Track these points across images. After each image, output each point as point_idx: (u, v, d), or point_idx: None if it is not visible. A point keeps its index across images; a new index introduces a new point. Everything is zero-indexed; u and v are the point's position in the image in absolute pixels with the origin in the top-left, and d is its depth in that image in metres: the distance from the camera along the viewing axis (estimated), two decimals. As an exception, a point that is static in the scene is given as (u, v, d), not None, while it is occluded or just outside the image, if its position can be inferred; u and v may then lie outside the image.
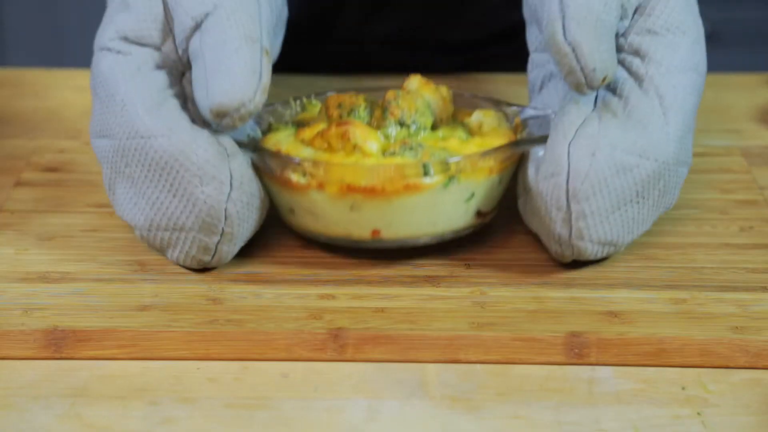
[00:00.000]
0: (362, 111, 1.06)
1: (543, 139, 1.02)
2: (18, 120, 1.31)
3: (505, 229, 1.09)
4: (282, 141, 1.05)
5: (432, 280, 1.03)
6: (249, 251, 1.06)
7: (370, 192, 1.00)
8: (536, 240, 1.08)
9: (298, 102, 1.11)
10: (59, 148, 1.24)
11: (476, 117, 1.07)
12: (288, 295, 1.01)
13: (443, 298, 1.01)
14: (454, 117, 1.08)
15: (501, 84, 1.38)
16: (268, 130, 1.08)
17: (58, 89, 1.38)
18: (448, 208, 1.02)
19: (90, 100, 1.35)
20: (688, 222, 1.11)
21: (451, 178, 1.00)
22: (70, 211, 1.13)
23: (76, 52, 2.53)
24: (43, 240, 1.08)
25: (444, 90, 1.08)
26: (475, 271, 1.04)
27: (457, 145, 1.03)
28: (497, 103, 1.10)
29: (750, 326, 0.97)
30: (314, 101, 1.11)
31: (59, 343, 0.96)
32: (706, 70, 1.06)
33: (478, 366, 0.96)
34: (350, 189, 1.00)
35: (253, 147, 1.02)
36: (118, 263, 1.05)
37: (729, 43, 2.42)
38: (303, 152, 1.02)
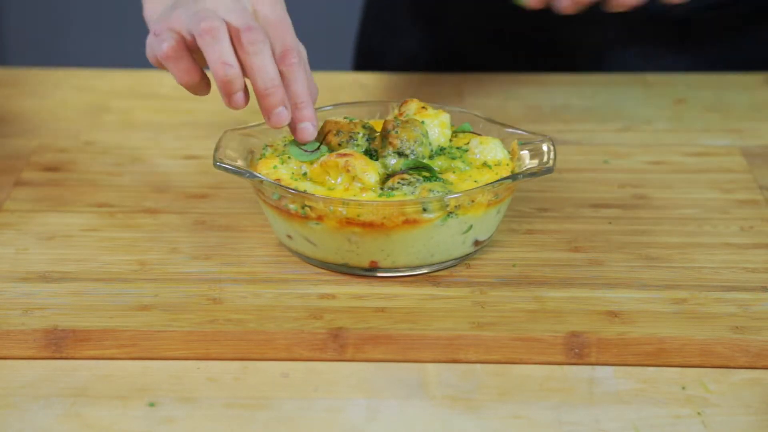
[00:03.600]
0: (361, 139, 1.06)
1: (540, 171, 1.02)
2: (18, 120, 1.31)
3: (504, 229, 1.09)
4: (280, 168, 1.04)
5: (432, 280, 1.03)
6: (249, 251, 1.06)
7: (369, 226, 1.00)
8: (537, 240, 1.08)
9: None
10: (59, 148, 1.24)
11: (474, 145, 1.07)
12: (288, 295, 1.01)
13: (443, 298, 1.01)
14: (452, 140, 1.08)
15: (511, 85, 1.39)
16: (264, 151, 1.08)
17: (58, 89, 1.38)
18: (446, 239, 1.02)
19: (90, 100, 1.35)
20: (688, 222, 1.11)
21: (449, 214, 1.00)
22: (70, 211, 1.13)
23: (76, 52, 2.53)
24: (43, 240, 1.08)
25: (442, 114, 1.08)
26: (475, 271, 1.04)
27: (456, 177, 1.03)
28: (495, 125, 1.10)
29: (750, 326, 0.97)
30: None
31: (59, 343, 0.96)
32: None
33: (478, 366, 0.96)
34: (349, 223, 1.00)
35: (251, 174, 1.02)
36: (118, 263, 1.05)
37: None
38: (302, 184, 1.02)
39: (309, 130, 1.04)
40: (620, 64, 1.42)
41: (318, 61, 2.54)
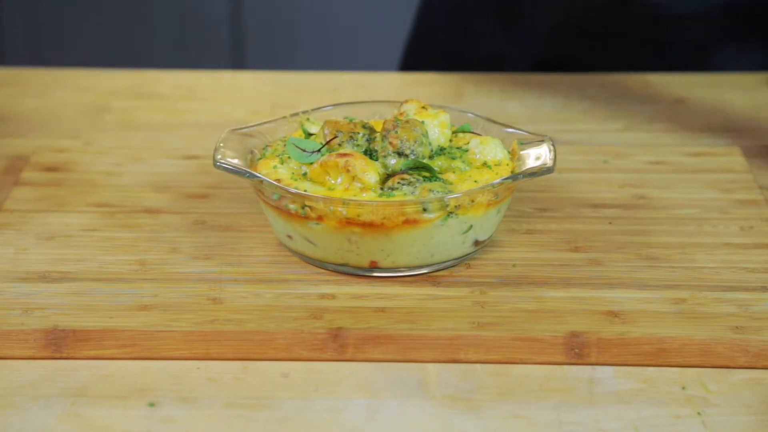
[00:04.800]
0: (361, 139, 1.06)
1: (540, 171, 1.02)
2: (18, 120, 1.31)
3: (504, 229, 1.09)
4: (280, 168, 1.05)
5: (432, 280, 1.03)
6: (249, 251, 1.06)
7: (369, 226, 1.00)
8: (537, 240, 1.08)
9: (294, 119, 1.11)
10: (59, 148, 1.24)
11: (474, 145, 1.07)
12: (288, 295, 1.01)
13: (443, 298, 1.01)
14: (452, 140, 1.08)
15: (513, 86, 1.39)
16: (264, 151, 1.08)
17: (58, 89, 1.38)
18: (446, 239, 1.02)
19: (90, 100, 1.35)
20: (688, 222, 1.11)
21: (449, 214, 1.01)
22: (70, 210, 1.13)
23: (76, 52, 2.53)
24: (43, 240, 1.08)
25: (441, 114, 1.08)
26: (475, 271, 1.04)
27: (456, 177, 1.03)
28: (495, 125, 1.10)
29: (750, 326, 0.97)
30: (312, 119, 1.11)
31: (59, 343, 0.96)
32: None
33: (478, 366, 0.96)
34: (349, 223, 1.00)
35: (251, 174, 1.02)
36: (118, 263, 1.05)
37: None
38: (302, 184, 1.03)
39: None
40: (721, 62, 1.42)
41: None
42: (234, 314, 0.98)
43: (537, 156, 1.05)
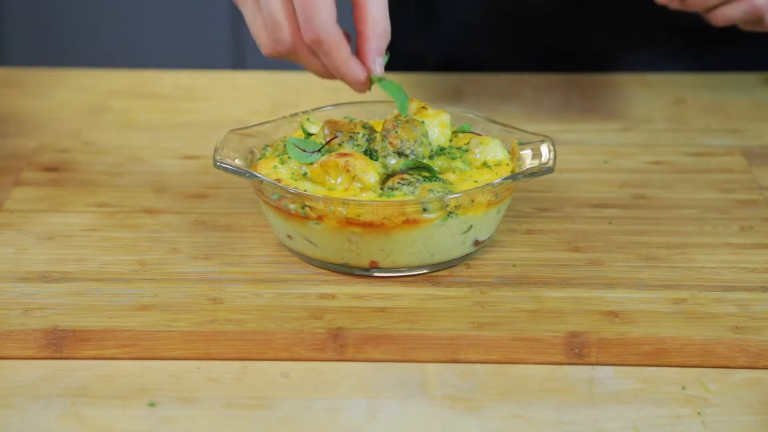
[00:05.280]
0: (361, 139, 1.06)
1: (540, 171, 1.02)
2: (18, 120, 1.31)
3: (504, 229, 1.09)
4: (280, 168, 1.05)
5: (432, 280, 1.03)
6: (249, 251, 1.06)
7: (369, 226, 1.00)
8: (537, 240, 1.08)
9: (294, 119, 1.11)
10: (59, 148, 1.24)
11: (474, 145, 1.07)
12: (288, 295, 1.01)
13: (443, 298, 1.01)
14: (452, 140, 1.08)
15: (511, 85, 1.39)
16: (264, 151, 1.08)
17: (58, 89, 1.38)
18: (446, 239, 1.02)
19: (90, 100, 1.35)
20: (688, 222, 1.11)
21: (449, 214, 1.01)
22: (70, 211, 1.13)
23: (76, 52, 2.53)
24: (43, 240, 1.08)
25: (442, 114, 1.08)
26: (475, 271, 1.04)
27: (456, 177, 1.03)
28: (495, 125, 1.10)
29: (750, 326, 0.97)
30: (312, 119, 1.11)
31: (59, 343, 0.96)
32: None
33: (478, 366, 0.96)
34: (349, 223, 1.00)
35: (251, 174, 1.02)
36: (118, 263, 1.05)
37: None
38: (302, 184, 1.03)
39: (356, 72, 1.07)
40: (621, 67, 1.42)
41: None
42: (234, 314, 0.98)
43: (537, 156, 1.05)
